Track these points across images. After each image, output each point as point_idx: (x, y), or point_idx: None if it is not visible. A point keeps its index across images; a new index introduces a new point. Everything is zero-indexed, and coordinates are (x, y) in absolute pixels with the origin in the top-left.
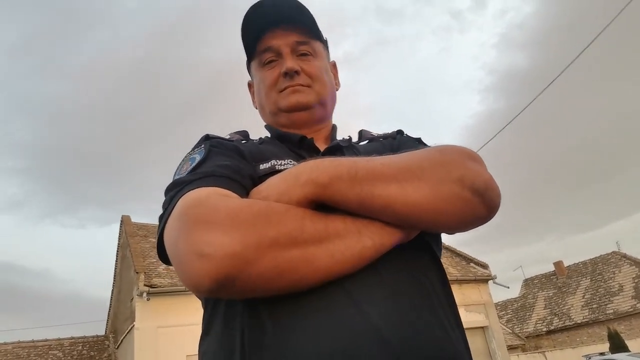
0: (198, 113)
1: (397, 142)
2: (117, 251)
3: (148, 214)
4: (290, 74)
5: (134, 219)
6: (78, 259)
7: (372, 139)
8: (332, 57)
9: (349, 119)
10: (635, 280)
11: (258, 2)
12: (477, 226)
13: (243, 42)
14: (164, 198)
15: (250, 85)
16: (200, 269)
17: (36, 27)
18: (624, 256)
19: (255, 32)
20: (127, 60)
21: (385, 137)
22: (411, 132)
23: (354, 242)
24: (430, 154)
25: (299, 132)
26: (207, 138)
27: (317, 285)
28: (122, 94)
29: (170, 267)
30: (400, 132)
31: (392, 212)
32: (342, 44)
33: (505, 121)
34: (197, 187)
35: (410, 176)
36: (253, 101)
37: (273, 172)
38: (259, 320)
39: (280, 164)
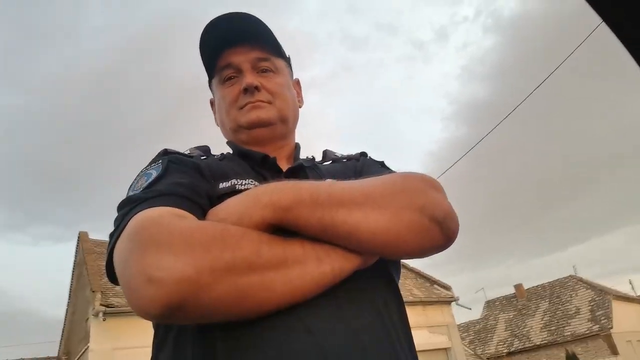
0: (163, 129)
1: (361, 164)
2: (73, 269)
3: (107, 231)
4: (250, 90)
5: (93, 236)
6: (31, 277)
7: (336, 159)
8: (302, 81)
9: (316, 141)
10: (591, 304)
11: (216, 18)
12: (435, 253)
13: (202, 59)
14: (116, 214)
15: (212, 102)
16: (149, 294)
17: None
18: (580, 280)
19: (214, 48)
20: (89, 75)
21: (349, 158)
22: (376, 155)
23: (313, 269)
24: (392, 181)
25: (260, 149)
26: (165, 153)
27: (273, 312)
28: (83, 108)
29: None
30: (363, 154)
31: (354, 239)
32: (310, 69)
33: (466, 149)
34: (151, 207)
35: (372, 203)
36: (215, 118)
37: (233, 191)
38: (211, 347)
39: (241, 184)
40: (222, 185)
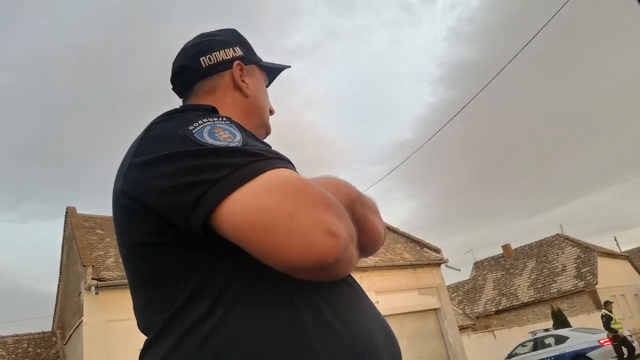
0: (154, 102)
1: None
2: (63, 244)
3: (95, 206)
4: (271, 113)
5: (81, 211)
6: (22, 254)
7: None
8: (284, 47)
9: (305, 109)
10: (577, 261)
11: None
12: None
13: (272, 66)
14: (215, 158)
15: (241, 67)
16: (329, 244)
17: None
18: (567, 238)
19: (279, 72)
20: (72, 47)
21: None
22: (366, 122)
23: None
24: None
25: None
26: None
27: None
28: (66, 83)
29: (120, 260)
30: None
31: (371, 235)
32: (294, 35)
33: (455, 111)
34: (282, 167)
35: (376, 211)
36: (240, 79)
37: None
38: (315, 301)
39: None
40: None
